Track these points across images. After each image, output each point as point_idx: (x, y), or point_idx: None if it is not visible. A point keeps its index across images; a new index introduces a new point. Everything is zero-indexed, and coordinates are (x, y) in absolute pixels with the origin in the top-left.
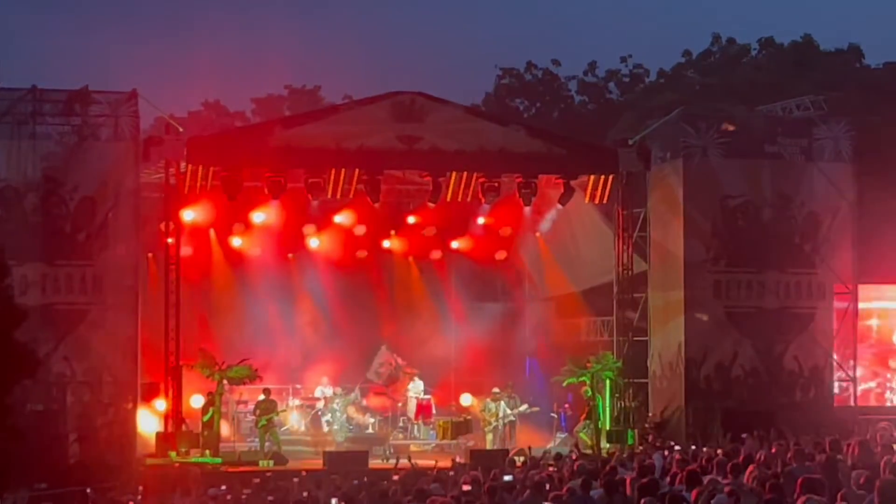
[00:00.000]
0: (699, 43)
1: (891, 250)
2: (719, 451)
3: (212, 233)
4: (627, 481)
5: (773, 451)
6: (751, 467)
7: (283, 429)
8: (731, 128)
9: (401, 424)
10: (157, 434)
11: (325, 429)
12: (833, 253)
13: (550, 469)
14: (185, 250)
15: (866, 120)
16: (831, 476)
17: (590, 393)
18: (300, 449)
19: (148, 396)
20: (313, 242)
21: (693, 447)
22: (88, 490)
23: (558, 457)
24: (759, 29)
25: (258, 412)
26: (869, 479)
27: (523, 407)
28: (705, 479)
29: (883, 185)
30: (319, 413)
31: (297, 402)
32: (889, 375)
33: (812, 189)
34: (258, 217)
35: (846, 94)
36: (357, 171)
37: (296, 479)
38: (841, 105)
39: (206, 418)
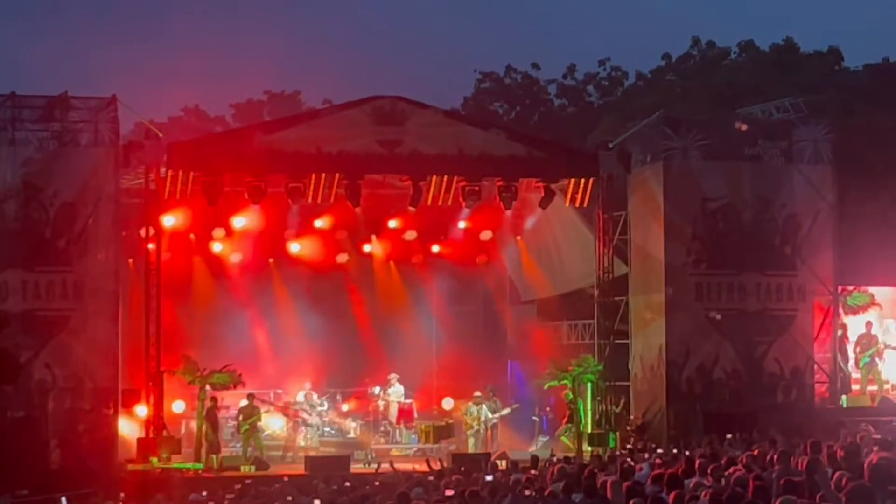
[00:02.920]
0: (679, 46)
1: (871, 252)
2: (701, 454)
3: (192, 238)
4: (608, 484)
5: (756, 453)
6: (733, 469)
7: (264, 434)
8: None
9: (382, 428)
10: (139, 440)
11: (302, 437)
12: (813, 255)
13: (532, 473)
14: (166, 256)
15: (846, 122)
16: (811, 478)
17: (571, 396)
18: (281, 454)
19: (129, 402)
20: (294, 247)
21: (675, 450)
22: (63, 500)
23: (537, 460)
24: (739, 32)
25: (241, 417)
26: (850, 481)
27: (505, 410)
28: (690, 482)
29: (863, 187)
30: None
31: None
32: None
33: (792, 191)
34: (238, 222)
35: (826, 97)
36: (337, 175)
37: (277, 485)
38: (821, 107)
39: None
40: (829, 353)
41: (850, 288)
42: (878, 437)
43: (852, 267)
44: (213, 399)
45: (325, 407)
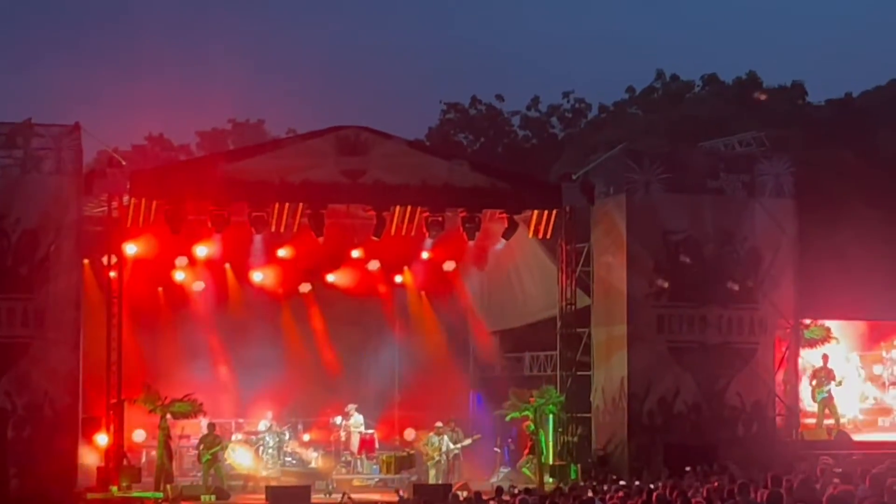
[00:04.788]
0: (643, 79)
1: (832, 286)
2: (661, 486)
3: (155, 266)
4: None
5: (715, 485)
6: (694, 502)
7: (226, 463)
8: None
9: (343, 459)
10: (98, 468)
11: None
12: (775, 288)
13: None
14: (128, 284)
15: (808, 157)
16: None
17: (532, 427)
18: (242, 483)
19: (89, 431)
20: (257, 276)
21: (636, 482)
22: None
23: (500, 491)
24: (703, 65)
25: (202, 446)
26: None
27: (467, 441)
28: None
29: (824, 221)
30: (259, 448)
31: (240, 436)
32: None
33: (754, 225)
34: (201, 251)
35: (789, 131)
36: (301, 204)
37: None
38: (783, 142)
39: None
40: (788, 387)
41: (808, 321)
42: (839, 470)
43: (813, 301)
44: (167, 428)
45: (287, 437)
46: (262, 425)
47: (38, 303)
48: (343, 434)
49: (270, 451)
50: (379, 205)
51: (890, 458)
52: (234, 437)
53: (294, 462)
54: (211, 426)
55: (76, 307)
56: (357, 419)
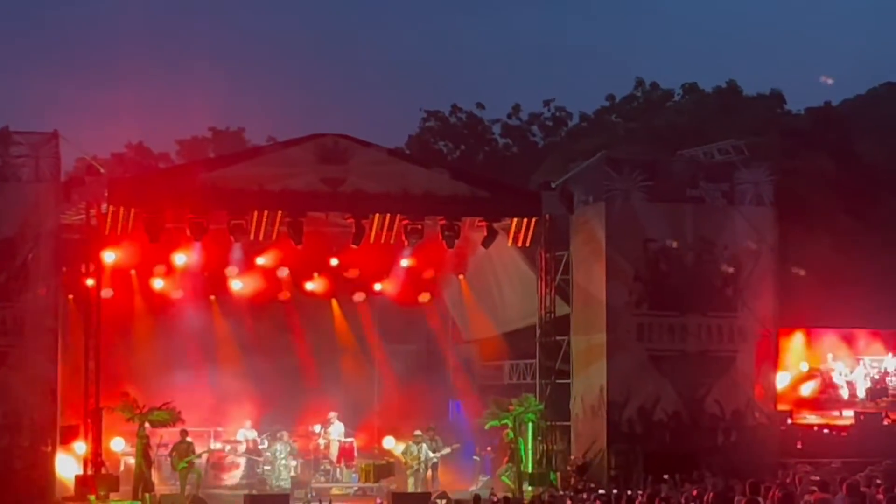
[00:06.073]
0: (623, 87)
1: (811, 295)
2: (641, 494)
3: (133, 274)
4: None
5: (695, 493)
6: None
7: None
8: None
9: (323, 467)
10: (77, 477)
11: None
12: (754, 297)
13: None
14: (106, 292)
15: (788, 165)
16: None
17: (512, 436)
18: (220, 493)
19: (67, 439)
20: (235, 284)
21: (615, 490)
22: None
23: (478, 499)
24: (683, 74)
25: (174, 454)
26: None
27: (446, 450)
28: None
29: (803, 229)
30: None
31: (218, 445)
32: None
33: (734, 233)
34: (180, 259)
35: (768, 140)
36: (280, 212)
37: None
38: (762, 150)
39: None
40: (768, 394)
41: None
42: (817, 478)
43: (792, 309)
44: (146, 437)
45: (266, 445)
46: (241, 434)
47: (17, 311)
48: (322, 442)
49: (283, 461)
50: (358, 213)
51: (869, 468)
52: (212, 446)
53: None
54: (183, 433)
55: (54, 315)
56: (338, 427)
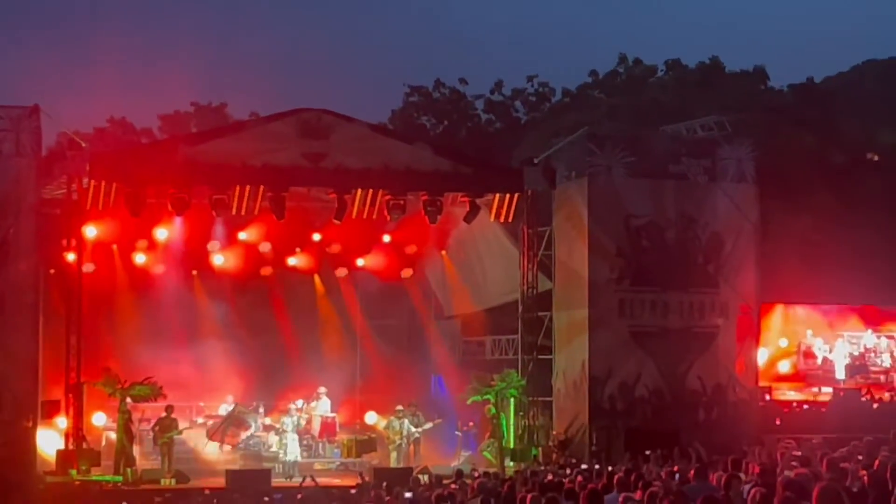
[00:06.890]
0: (606, 63)
1: (792, 271)
2: (622, 470)
3: (115, 249)
4: (528, 499)
5: (675, 469)
6: (655, 484)
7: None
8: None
9: (305, 442)
10: (58, 452)
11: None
12: (736, 273)
13: (452, 487)
14: (88, 267)
15: (770, 141)
16: (728, 495)
17: (494, 411)
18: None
19: (49, 414)
20: (217, 259)
21: (597, 465)
22: None
23: (460, 474)
24: (666, 50)
25: (157, 429)
26: (764, 497)
27: (428, 424)
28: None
29: (785, 206)
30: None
31: (201, 420)
32: None
33: (716, 209)
34: (161, 234)
35: (751, 116)
36: (262, 187)
37: (199, 499)
38: (745, 126)
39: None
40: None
41: None
42: (799, 453)
43: (774, 285)
44: (128, 412)
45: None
46: (222, 409)
47: None
48: (304, 417)
49: (291, 434)
50: (340, 188)
51: (851, 444)
52: (197, 421)
53: (254, 445)
54: (169, 408)
55: (35, 290)
56: (325, 403)
